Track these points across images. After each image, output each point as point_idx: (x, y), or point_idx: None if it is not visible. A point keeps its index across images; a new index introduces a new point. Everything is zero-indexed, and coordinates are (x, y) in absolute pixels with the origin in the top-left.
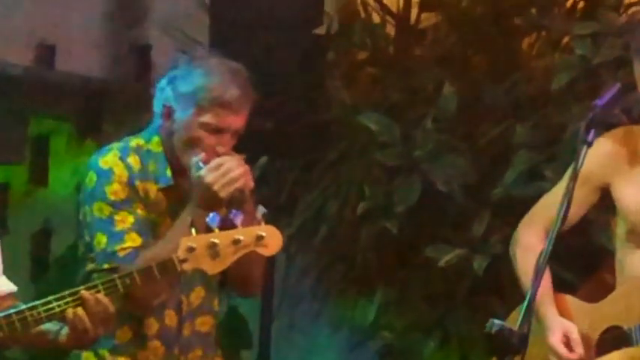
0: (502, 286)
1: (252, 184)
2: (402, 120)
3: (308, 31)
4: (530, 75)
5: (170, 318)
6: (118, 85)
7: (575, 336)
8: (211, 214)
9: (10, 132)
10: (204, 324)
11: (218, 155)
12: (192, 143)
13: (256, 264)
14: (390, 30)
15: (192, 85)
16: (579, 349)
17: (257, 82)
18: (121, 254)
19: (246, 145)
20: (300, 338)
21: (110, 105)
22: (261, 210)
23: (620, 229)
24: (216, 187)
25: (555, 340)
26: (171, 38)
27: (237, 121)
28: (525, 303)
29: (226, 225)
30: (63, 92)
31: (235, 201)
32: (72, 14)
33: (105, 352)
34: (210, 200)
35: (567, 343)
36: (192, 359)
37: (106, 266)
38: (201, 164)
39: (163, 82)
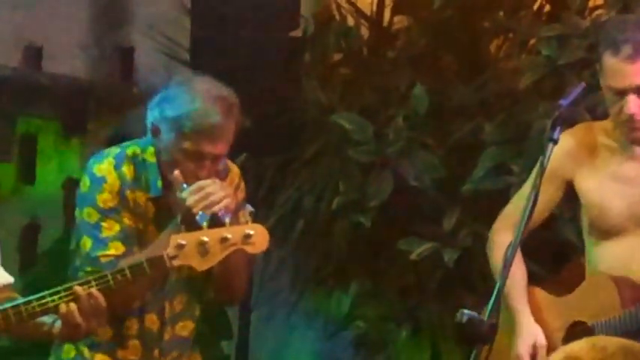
0: (472, 278)
1: (233, 206)
2: (375, 119)
3: (285, 34)
4: (498, 75)
5: (152, 321)
6: (102, 86)
7: (541, 341)
8: (200, 213)
9: None
10: (185, 328)
11: (198, 178)
12: (174, 166)
13: (239, 271)
14: (364, 32)
15: (176, 111)
16: (542, 353)
17: (237, 83)
18: (103, 260)
19: None
20: (278, 328)
21: (95, 105)
22: (248, 209)
23: (584, 223)
24: (195, 210)
25: (523, 348)
26: (154, 41)
27: (217, 149)
28: (494, 294)
29: (215, 223)
30: (50, 93)
31: (218, 222)
32: (58, 18)
33: (84, 349)
34: (190, 222)
35: (534, 355)
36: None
37: (88, 269)
38: (184, 185)
39: (154, 101)
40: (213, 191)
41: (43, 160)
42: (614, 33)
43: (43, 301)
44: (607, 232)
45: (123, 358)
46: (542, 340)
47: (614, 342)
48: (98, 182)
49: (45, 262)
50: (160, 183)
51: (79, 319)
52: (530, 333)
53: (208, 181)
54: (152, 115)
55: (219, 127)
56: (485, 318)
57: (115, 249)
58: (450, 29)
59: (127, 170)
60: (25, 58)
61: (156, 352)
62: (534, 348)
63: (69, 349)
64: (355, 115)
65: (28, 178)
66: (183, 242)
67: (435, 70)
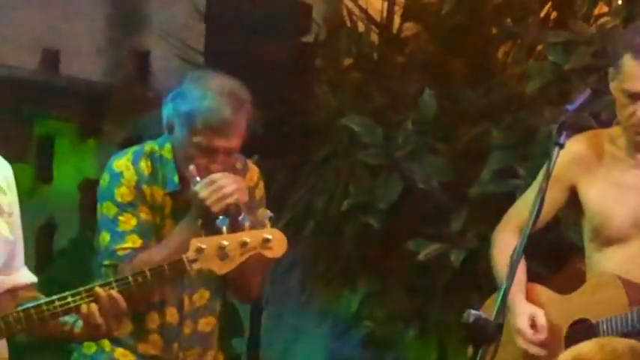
0: (478, 279)
1: (246, 198)
2: (384, 122)
3: (297, 39)
4: (506, 80)
5: (171, 315)
6: (118, 89)
7: (541, 320)
8: (221, 217)
9: (17, 132)
10: (207, 324)
11: (211, 172)
12: (188, 160)
13: (256, 272)
14: (374, 38)
15: (188, 106)
16: (544, 333)
17: (249, 86)
18: (120, 253)
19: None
20: (288, 327)
21: (111, 107)
22: (267, 214)
23: (586, 229)
24: (208, 202)
25: (522, 322)
26: (169, 45)
27: (228, 143)
28: (500, 295)
29: (235, 227)
30: (67, 95)
31: (230, 214)
32: (76, 22)
33: (105, 343)
34: (204, 214)
35: (533, 326)
36: (190, 356)
37: (106, 262)
38: (197, 179)
39: (169, 97)
40: (225, 184)
41: (59, 161)
42: (636, 37)
43: (65, 301)
44: (610, 240)
45: (144, 352)
46: (541, 319)
47: (623, 343)
48: (116, 177)
49: (61, 261)
50: (176, 178)
51: (99, 319)
52: (525, 310)
53: (220, 174)
54: (166, 111)
55: (230, 122)
56: (492, 318)
57: (132, 242)
58: (459, 35)
59: (144, 166)
60: (43, 62)
61: (175, 345)
62: (533, 320)
63: (90, 344)
64: (365, 118)
65: (46, 178)
66: (203, 246)
67: (443, 76)
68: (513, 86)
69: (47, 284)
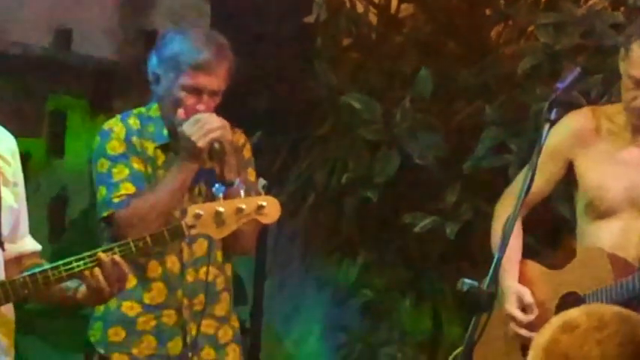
0: (472, 250)
1: (229, 136)
2: (383, 100)
3: (299, 20)
4: (499, 60)
5: (172, 263)
6: (127, 66)
7: (528, 299)
8: (217, 185)
9: (31, 108)
10: (209, 273)
11: (197, 112)
12: (176, 104)
13: (248, 236)
14: (373, 19)
15: (172, 51)
16: (534, 311)
17: (253, 64)
18: (116, 200)
19: (243, 121)
20: (290, 295)
21: (120, 84)
22: (261, 182)
23: (580, 203)
24: (194, 138)
25: (511, 306)
26: (175, 25)
27: (212, 82)
28: (493, 265)
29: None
30: (78, 72)
31: (216, 152)
32: (88, 3)
33: (112, 300)
34: (192, 151)
35: (523, 308)
36: (197, 304)
37: (104, 214)
38: (182, 120)
39: (151, 53)
40: (210, 121)
41: (71, 135)
42: None
43: (70, 266)
44: (602, 213)
45: (149, 301)
46: (528, 298)
47: (609, 309)
48: (106, 134)
49: (72, 231)
50: (165, 131)
51: (103, 283)
52: (514, 291)
53: (205, 114)
54: (151, 65)
55: (212, 61)
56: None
57: (126, 189)
58: (454, 17)
59: (132, 122)
60: (55, 40)
61: (179, 292)
62: (521, 302)
63: (98, 307)
64: (364, 96)
65: (58, 152)
66: (201, 212)
67: (439, 55)
68: (506, 65)
69: (60, 253)
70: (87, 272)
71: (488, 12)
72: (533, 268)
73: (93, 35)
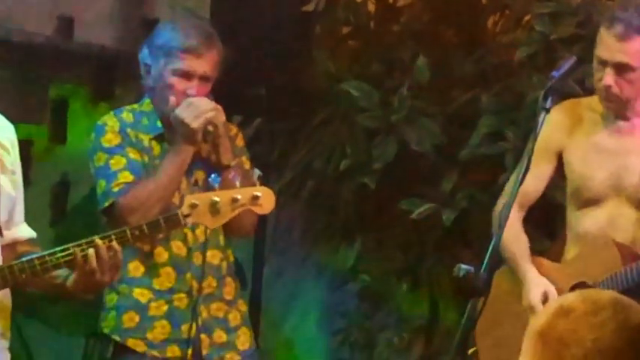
0: (467, 236)
1: (223, 118)
2: (381, 87)
3: (298, 8)
4: (495, 49)
5: (178, 248)
6: (128, 55)
7: (553, 293)
8: (213, 175)
9: (33, 95)
10: (214, 257)
11: (188, 97)
12: (168, 91)
13: (244, 223)
14: (371, 8)
15: (161, 39)
16: None
17: (252, 52)
18: (115, 189)
19: (242, 108)
20: (288, 281)
21: (122, 72)
22: (256, 173)
23: (568, 190)
24: (187, 120)
25: (535, 297)
26: (176, 13)
27: (202, 65)
28: (489, 250)
29: (227, 185)
30: (80, 60)
31: (210, 134)
32: None
33: (124, 288)
34: (187, 134)
35: (545, 301)
36: (207, 287)
37: (106, 204)
38: (174, 107)
39: (142, 46)
40: (202, 104)
41: (73, 122)
42: (616, 10)
43: (67, 252)
44: (588, 201)
45: (159, 287)
46: (553, 291)
47: (605, 294)
48: (101, 129)
49: (74, 217)
50: (159, 123)
51: (95, 267)
52: (539, 283)
53: (197, 98)
54: (142, 56)
55: (202, 45)
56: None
57: (125, 178)
58: (451, 6)
59: (126, 116)
60: (58, 28)
61: (188, 276)
62: (545, 295)
63: (111, 297)
64: (362, 83)
65: (60, 138)
66: (197, 202)
67: (436, 44)
68: (502, 54)
69: (61, 238)
70: (80, 256)
71: (485, 1)
72: (545, 264)
73: (95, 23)
